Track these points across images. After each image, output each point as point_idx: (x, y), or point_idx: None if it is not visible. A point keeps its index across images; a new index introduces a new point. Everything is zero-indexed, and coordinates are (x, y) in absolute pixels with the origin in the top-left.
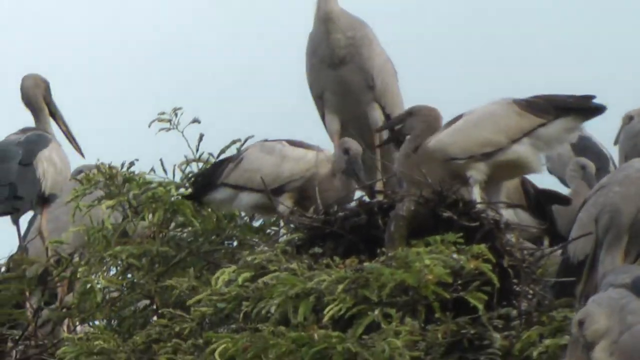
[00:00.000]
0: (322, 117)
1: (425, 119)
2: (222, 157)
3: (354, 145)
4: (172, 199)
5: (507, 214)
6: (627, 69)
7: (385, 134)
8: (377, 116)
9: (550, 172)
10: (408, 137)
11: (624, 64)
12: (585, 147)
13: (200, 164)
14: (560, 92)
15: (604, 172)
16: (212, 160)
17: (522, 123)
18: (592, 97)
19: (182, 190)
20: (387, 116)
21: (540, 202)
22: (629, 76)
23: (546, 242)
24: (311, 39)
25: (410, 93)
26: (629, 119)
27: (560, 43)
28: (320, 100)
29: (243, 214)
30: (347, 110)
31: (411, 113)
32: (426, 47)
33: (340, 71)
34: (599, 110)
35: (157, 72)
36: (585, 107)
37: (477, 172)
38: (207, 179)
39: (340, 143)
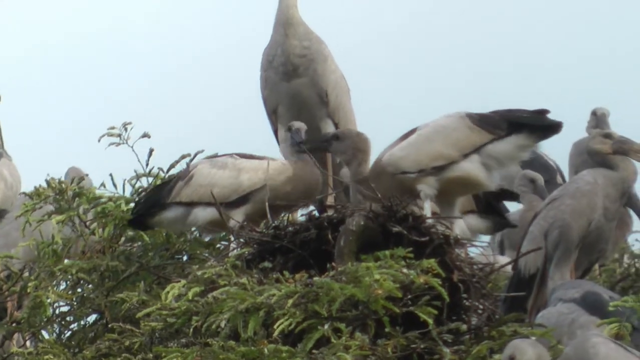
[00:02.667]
0: (275, 132)
1: (355, 143)
2: (172, 171)
3: (296, 123)
4: (122, 213)
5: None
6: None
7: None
8: (330, 131)
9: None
10: (347, 167)
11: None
12: (531, 159)
13: (150, 179)
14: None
15: (551, 184)
16: (162, 174)
17: (473, 137)
18: (546, 111)
19: (129, 208)
20: None
21: (489, 203)
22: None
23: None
24: (267, 50)
25: (362, 110)
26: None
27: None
28: (274, 115)
29: (193, 228)
30: None
31: (338, 137)
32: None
33: (295, 84)
34: (554, 128)
35: (109, 86)
36: (540, 124)
37: (428, 187)
38: (154, 200)
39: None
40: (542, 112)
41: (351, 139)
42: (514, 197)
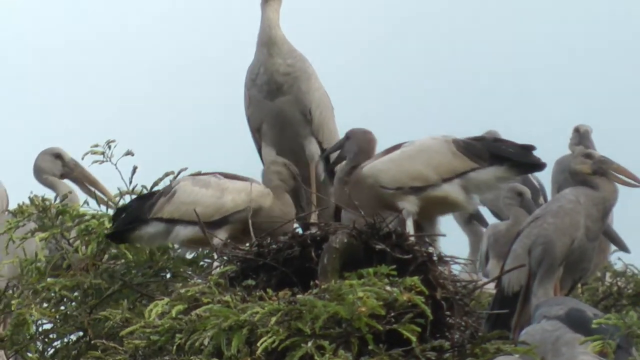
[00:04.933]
0: (259, 150)
1: (359, 142)
2: (156, 189)
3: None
4: (106, 231)
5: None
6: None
7: (321, 168)
8: (313, 150)
9: (484, 204)
10: (344, 162)
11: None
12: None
13: (134, 196)
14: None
15: (535, 203)
16: (146, 192)
17: (455, 163)
18: (532, 148)
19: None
20: (324, 150)
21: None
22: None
23: None
24: (251, 68)
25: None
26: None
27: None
28: (258, 133)
29: (177, 246)
30: (284, 143)
31: (348, 137)
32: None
33: (278, 102)
34: (536, 166)
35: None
36: (523, 161)
37: (410, 205)
38: (134, 215)
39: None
40: (529, 148)
41: (357, 137)
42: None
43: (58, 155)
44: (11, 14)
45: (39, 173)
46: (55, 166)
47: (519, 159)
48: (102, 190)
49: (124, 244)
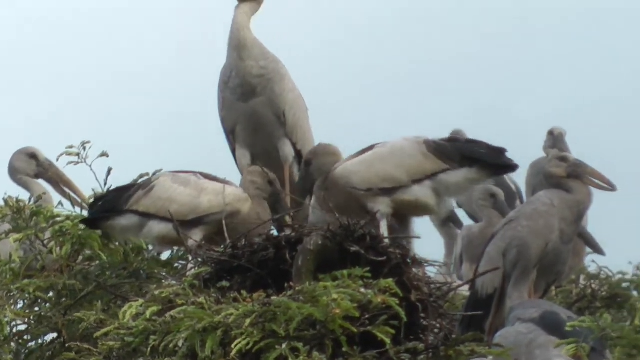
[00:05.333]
0: (233, 152)
1: (323, 159)
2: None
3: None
4: (80, 232)
5: None
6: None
7: (296, 170)
8: (288, 151)
9: (460, 206)
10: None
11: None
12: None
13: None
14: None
15: (510, 206)
16: None
17: (426, 165)
18: (504, 150)
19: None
20: (298, 152)
21: None
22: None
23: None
24: (223, 71)
25: (321, 128)
26: (550, 134)
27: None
28: (232, 134)
29: (151, 247)
30: (258, 145)
31: (309, 161)
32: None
33: (252, 104)
34: (508, 167)
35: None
36: (494, 162)
37: (384, 206)
38: (111, 204)
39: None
40: (500, 151)
41: (317, 157)
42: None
43: (33, 155)
44: None
45: (14, 173)
46: (30, 166)
47: (491, 161)
48: (76, 192)
49: (98, 230)
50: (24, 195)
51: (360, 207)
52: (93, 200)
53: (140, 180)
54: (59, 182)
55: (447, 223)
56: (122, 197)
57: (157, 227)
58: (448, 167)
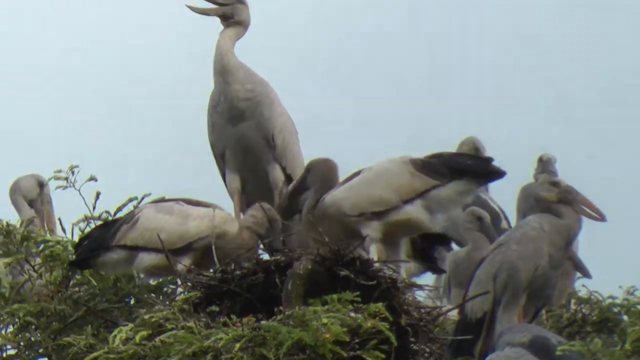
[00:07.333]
0: (223, 176)
1: (320, 172)
2: (119, 214)
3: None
4: (70, 257)
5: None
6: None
7: (285, 194)
8: (277, 175)
9: (444, 231)
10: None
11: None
12: (475, 204)
13: (98, 222)
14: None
15: (495, 229)
16: (110, 218)
17: (415, 183)
18: (490, 159)
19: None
20: (288, 176)
21: (423, 247)
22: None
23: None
24: (212, 96)
25: (311, 152)
26: (540, 161)
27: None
28: (221, 159)
29: (141, 274)
30: (247, 168)
31: (308, 170)
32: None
33: (241, 128)
34: (495, 174)
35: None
36: (482, 171)
37: (373, 231)
38: (97, 242)
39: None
40: (486, 159)
41: (317, 168)
42: (443, 242)
43: (41, 184)
44: None
45: (16, 191)
46: (33, 192)
47: (478, 170)
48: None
49: (88, 269)
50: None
51: (349, 233)
52: (78, 241)
53: (129, 205)
54: (46, 219)
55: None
56: (108, 234)
57: (147, 258)
58: (438, 183)
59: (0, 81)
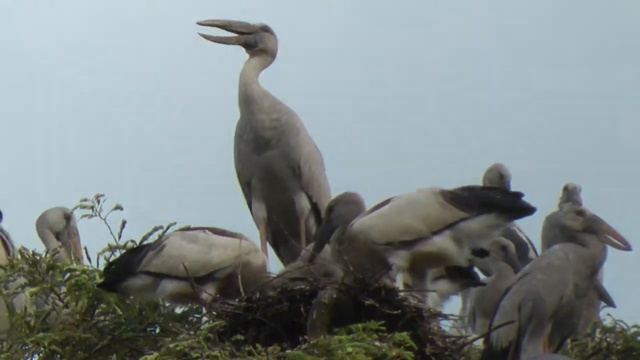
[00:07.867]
0: (249, 204)
1: (345, 207)
2: (145, 243)
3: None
4: (96, 286)
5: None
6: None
7: (312, 223)
8: (303, 204)
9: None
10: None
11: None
12: (504, 235)
13: (123, 251)
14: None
15: (523, 259)
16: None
17: (444, 215)
18: (520, 195)
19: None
20: (314, 205)
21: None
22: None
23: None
24: (238, 124)
25: (338, 181)
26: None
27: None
28: (247, 187)
29: (166, 301)
30: (273, 197)
31: (331, 208)
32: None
33: (267, 156)
34: (525, 210)
35: (79, 157)
36: (511, 206)
37: (400, 260)
38: (124, 267)
39: None
40: (516, 195)
41: (341, 203)
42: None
43: (68, 217)
44: None
45: (43, 223)
46: (59, 225)
47: (508, 205)
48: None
49: (114, 292)
50: (39, 249)
51: (376, 261)
52: (107, 264)
53: (154, 234)
54: (72, 252)
55: None
56: (134, 259)
57: (170, 286)
58: (467, 215)
59: (46, 114)
